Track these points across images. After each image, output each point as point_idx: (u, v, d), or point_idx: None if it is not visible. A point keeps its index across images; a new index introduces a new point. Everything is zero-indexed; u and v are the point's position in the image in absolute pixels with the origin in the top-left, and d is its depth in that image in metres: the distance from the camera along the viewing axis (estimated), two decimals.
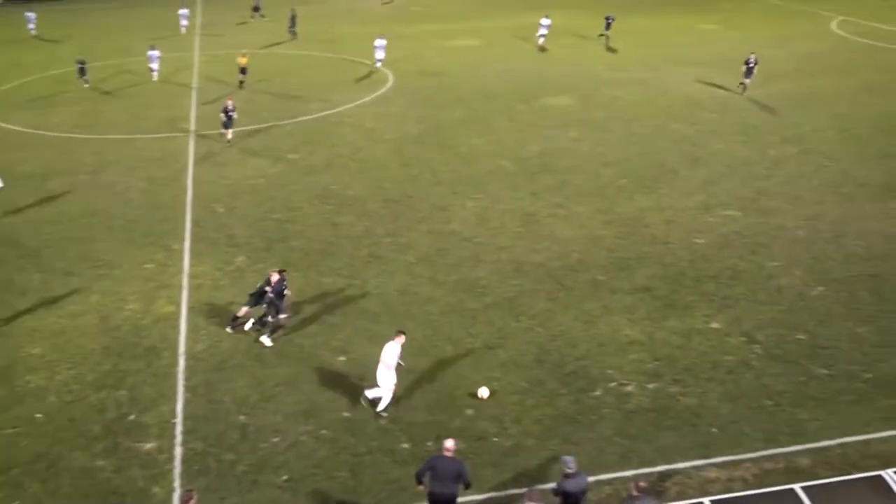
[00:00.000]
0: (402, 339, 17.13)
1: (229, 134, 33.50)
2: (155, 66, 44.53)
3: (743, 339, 19.68)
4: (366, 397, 17.32)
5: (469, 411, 17.24)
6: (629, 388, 17.82)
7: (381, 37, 45.72)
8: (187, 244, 25.16)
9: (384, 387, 17.03)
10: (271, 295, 19.64)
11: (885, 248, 23.99)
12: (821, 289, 21.84)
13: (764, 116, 36.49)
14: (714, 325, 20.28)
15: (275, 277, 19.85)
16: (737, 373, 18.41)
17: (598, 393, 17.80)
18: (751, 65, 39.08)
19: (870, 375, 18.15)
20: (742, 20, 59.05)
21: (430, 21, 60.86)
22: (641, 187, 28.77)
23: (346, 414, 17.21)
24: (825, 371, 18.39)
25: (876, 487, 13.10)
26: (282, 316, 19.99)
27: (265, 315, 19.84)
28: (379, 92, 41.64)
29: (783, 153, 31.91)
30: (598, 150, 32.64)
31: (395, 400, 17.27)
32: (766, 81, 41.68)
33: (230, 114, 33.29)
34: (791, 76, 43.13)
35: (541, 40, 50.32)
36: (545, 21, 50.40)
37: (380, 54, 45.17)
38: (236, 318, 20.23)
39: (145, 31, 56.02)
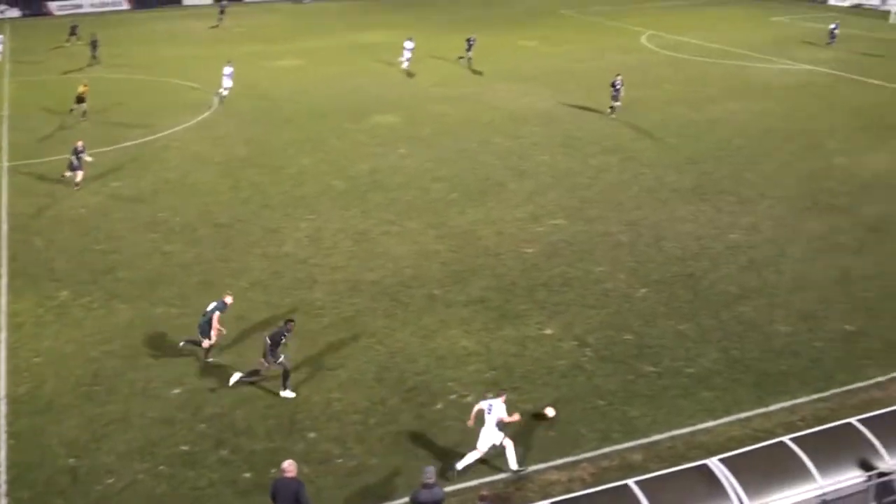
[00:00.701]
0: (503, 397, 15.92)
1: (78, 176, 30.57)
2: None
3: (575, 343, 20.38)
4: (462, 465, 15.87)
5: (311, 434, 17.06)
6: (469, 399, 18.08)
7: (229, 64, 42.81)
8: (4, 281, 23.77)
9: (506, 444, 15.79)
10: (269, 342, 18.09)
11: (698, 248, 25.43)
12: (644, 290, 22.91)
13: (585, 127, 37.99)
14: (547, 331, 20.90)
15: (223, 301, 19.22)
16: (570, 376, 19.04)
17: (439, 406, 17.98)
18: (617, 87, 39.28)
19: (692, 370, 19.17)
20: (559, 36, 61.35)
21: (254, 42, 60.07)
22: (471, 201, 29.34)
23: (183, 447, 16.67)
24: (652, 368, 19.29)
25: (702, 476, 13.78)
26: (205, 343, 18.99)
27: (258, 368, 18.37)
28: (205, 115, 40.71)
29: (604, 162, 33.30)
30: (427, 166, 33.08)
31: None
32: (585, 94, 43.48)
33: (80, 155, 30.54)
34: (608, 88, 44.99)
35: (405, 64, 49.91)
36: (409, 44, 49.87)
37: (227, 83, 42.44)
38: (207, 352, 19.29)
39: None
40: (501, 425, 15.88)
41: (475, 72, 49.49)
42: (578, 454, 16.39)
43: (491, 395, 16.10)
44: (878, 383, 18.71)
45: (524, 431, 17.00)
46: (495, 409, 15.80)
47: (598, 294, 22.76)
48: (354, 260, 24.88)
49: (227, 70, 42.21)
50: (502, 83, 46.78)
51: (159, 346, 20.28)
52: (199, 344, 19.29)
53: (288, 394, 18.26)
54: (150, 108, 41.76)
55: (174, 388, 18.63)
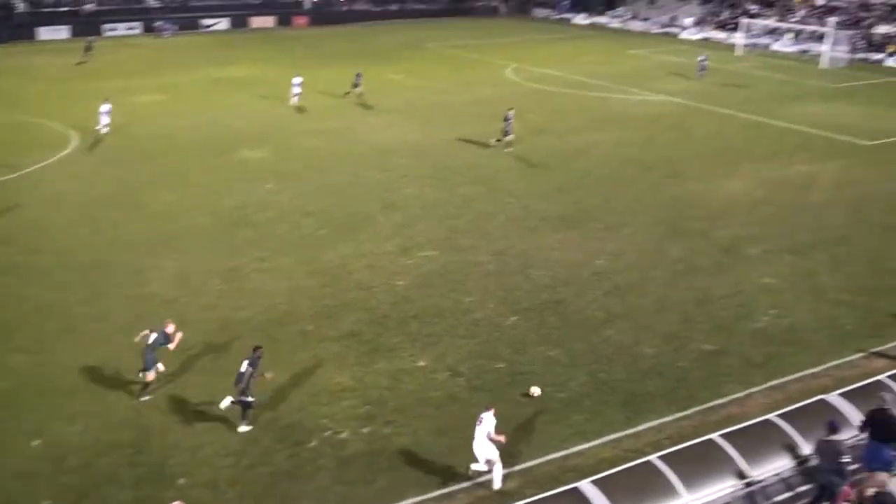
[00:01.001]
0: (492, 411, 16.49)
1: None
2: None
3: (448, 373, 20.55)
4: (475, 471, 16.60)
5: (181, 480, 16.57)
6: (344, 435, 17.98)
7: (106, 101, 41.43)
8: None
9: (492, 456, 16.30)
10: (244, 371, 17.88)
11: (566, 275, 26.09)
12: (514, 318, 23.32)
13: (453, 158, 38.50)
14: (420, 363, 21.00)
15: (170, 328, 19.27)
16: (445, 407, 19.16)
17: (313, 444, 17.79)
18: (509, 119, 39.63)
19: (563, 395, 19.61)
20: (426, 69, 62.14)
21: (113, 77, 58.28)
22: (342, 235, 29.28)
23: (45, 503, 15.93)
24: (524, 395, 19.62)
25: (574, 499, 14.09)
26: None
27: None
28: (63, 153, 39.22)
29: (472, 192, 33.83)
30: (296, 200, 32.84)
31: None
32: (452, 126, 44.14)
33: None
34: (475, 120, 45.88)
35: (294, 99, 49.20)
36: (297, 80, 49.29)
37: (105, 119, 40.91)
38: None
39: None
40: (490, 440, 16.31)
41: (366, 106, 49.55)
42: (454, 485, 16.48)
43: (483, 410, 16.55)
44: (736, 399, 19.59)
45: (401, 464, 17.00)
46: (485, 421, 16.31)
47: (469, 324, 23.04)
48: (224, 298, 24.41)
49: (105, 108, 40.99)
50: (370, 116, 47.02)
51: (15, 396, 19.34)
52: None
53: (245, 428, 18.12)
54: (4, 147, 39.98)
55: (33, 439, 17.79)
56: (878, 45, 69.55)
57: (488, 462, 16.38)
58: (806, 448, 15.44)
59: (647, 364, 21.06)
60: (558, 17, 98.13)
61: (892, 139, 42.79)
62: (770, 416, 16.17)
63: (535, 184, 35.07)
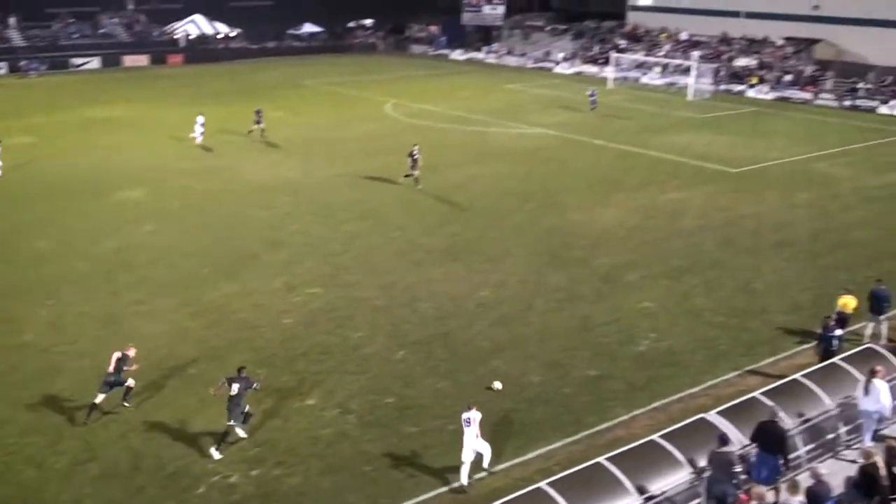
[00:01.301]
0: (475, 408, 17.77)
1: None
2: None
3: (338, 410, 20.41)
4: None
5: None
6: (233, 479, 17.61)
7: None
8: None
9: (484, 449, 17.85)
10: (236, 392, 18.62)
11: (452, 307, 26.33)
12: (402, 352, 23.37)
13: (335, 196, 38.45)
14: (309, 401, 20.80)
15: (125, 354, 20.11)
16: (335, 445, 19.01)
17: (202, 490, 17.36)
18: (415, 156, 39.54)
19: (453, 427, 19.64)
20: (304, 106, 62.05)
21: None
22: (225, 274, 28.81)
23: None
24: (415, 429, 19.66)
25: None
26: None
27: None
28: None
29: (356, 228, 33.83)
30: (177, 241, 32.16)
31: None
32: (333, 162, 44.13)
33: None
34: (356, 156, 46.06)
35: (199, 138, 48.22)
36: (200, 119, 48.44)
37: None
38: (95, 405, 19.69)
39: None
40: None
41: (270, 144, 49.12)
42: None
43: (465, 410, 17.72)
44: (622, 422, 20.10)
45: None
46: (473, 420, 17.56)
47: (358, 359, 22.97)
48: (103, 345, 23.51)
49: None
50: (251, 154, 46.57)
51: None
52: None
53: (242, 433, 19.10)
54: None
55: None
56: (739, 76, 73.11)
57: (480, 455, 17.80)
58: (688, 467, 15.95)
59: (534, 392, 21.40)
60: (435, 53, 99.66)
61: (755, 166, 44.94)
62: (654, 436, 16.63)
63: (419, 218, 35.34)
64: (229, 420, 18.58)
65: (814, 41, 74.54)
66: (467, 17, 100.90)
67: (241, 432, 19.04)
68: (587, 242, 32.54)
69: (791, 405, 17.56)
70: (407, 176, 39.84)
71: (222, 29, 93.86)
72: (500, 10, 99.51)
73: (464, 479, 17.48)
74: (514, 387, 21.60)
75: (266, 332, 24.57)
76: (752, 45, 78.04)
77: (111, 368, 19.91)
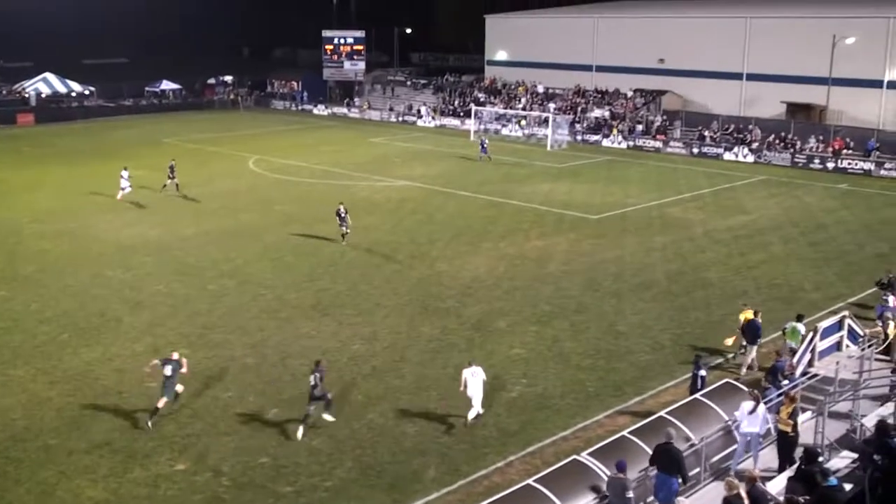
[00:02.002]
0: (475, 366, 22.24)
1: None
2: None
3: (210, 474, 19.81)
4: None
5: None
6: None
7: None
8: None
9: (476, 403, 21.98)
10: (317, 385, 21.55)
11: (324, 363, 25.99)
12: (275, 410, 22.94)
13: (199, 254, 37.65)
14: (179, 466, 20.12)
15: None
16: None
17: None
18: (342, 214, 39.02)
19: (329, 483, 19.45)
20: (164, 164, 60.40)
21: None
22: (85, 340, 27.70)
23: None
24: (290, 489, 19.28)
25: None
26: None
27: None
28: None
29: (222, 287, 33.17)
30: (32, 306, 30.76)
31: None
32: (196, 220, 43.28)
33: None
34: (220, 213, 45.34)
35: (127, 190, 47.41)
36: (125, 173, 47.44)
37: None
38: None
39: None
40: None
41: (187, 198, 48.09)
42: None
43: (467, 365, 22.31)
44: (497, 469, 20.26)
45: None
46: (478, 373, 21.91)
47: (230, 420, 22.41)
48: None
49: None
50: (109, 214, 45.16)
51: None
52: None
53: (329, 417, 21.98)
54: None
55: None
56: (594, 127, 75.97)
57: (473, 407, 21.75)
58: None
59: (410, 443, 21.35)
60: (298, 108, 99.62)
61: (614, 212, 46.64)
62: (529, 480, 16.83)
63: (286, 274, 34.98)
64: (327, 406, 21.74)
65: (661, 92, 78.51)
66: (328, 73, 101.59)
67: (327, 416, 21.86)
68: (457, 291, 32.91)
69: (658, 441, 18.12)
70: (343, 236, 39.42)
71: (76, 87, 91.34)
72: (361, 65, 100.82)
73: (471, 418, 21.98)
74: (389, 439, 21.50)
75: (130, 397, 23.67)
76: (605, 97, 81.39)
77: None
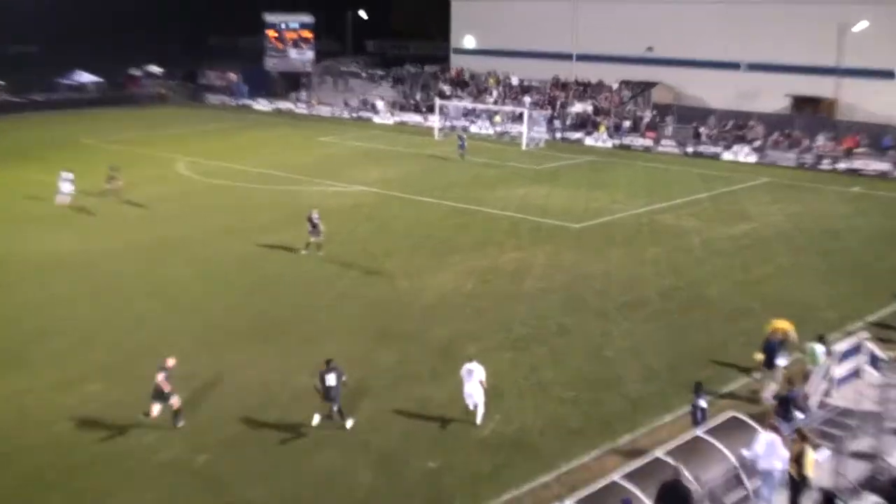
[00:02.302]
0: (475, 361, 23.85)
1: None
2: None
3: None
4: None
5: None
6: None
7: None
8: None
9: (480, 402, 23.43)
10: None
11: (265, 397, 25.33)
12: (205, 456, 22.19)
13: (121, 271, 36.80)
14: None
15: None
16: None
17: None
18: (314, 221, 38.76)
19: None
20: (83, 169, 59.28)
21: None
22: None
23: None
24: None
25: None
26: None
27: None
28: None
29: (147, 308, 32.40)
30: None
31: None
32: (117, 231, 42.44)
33: None
34: (142, 223, 44.55)
35: (67, 198, 47.39)
36: (67, 175, 47.72)
37: None
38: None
39: None
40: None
41: (133, 203, 48.07)
42: None
43: (467, 362, 23.76)
44: None
45: None
46: (476, 371, 23.25)
47: (153, 467, 21.66)
48: None
49: None
50: (19, 225, 44.18)
51: None
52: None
53: (350, 422, 23.50)
54: None
55: None
56: (575, 123, 75.95)
57: (475, 405, 23.26)
58: None
59: (364, 493, 20.71)
60: (237, 103, 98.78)
61: (596, 221, 46.45)
62: None
63: (219, 294, 34.24)
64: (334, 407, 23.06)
65: (650, 84, 78.69)
66: (271, 63, 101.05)
67: (349, 422, 23.27)
68: (420, 313, 32.36)
69: (655, 487, 17.66)
70: (308, 245, 39.06)
71: None
72: (309, 54, 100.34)
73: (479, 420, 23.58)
74: (341, 488, 20.86)
75: (33, 443, 22.79)
76: (587, 90, 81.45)
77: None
